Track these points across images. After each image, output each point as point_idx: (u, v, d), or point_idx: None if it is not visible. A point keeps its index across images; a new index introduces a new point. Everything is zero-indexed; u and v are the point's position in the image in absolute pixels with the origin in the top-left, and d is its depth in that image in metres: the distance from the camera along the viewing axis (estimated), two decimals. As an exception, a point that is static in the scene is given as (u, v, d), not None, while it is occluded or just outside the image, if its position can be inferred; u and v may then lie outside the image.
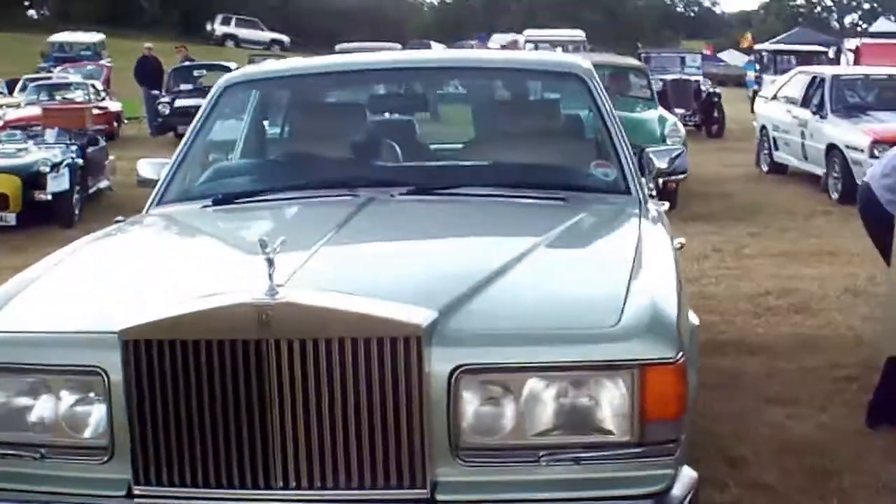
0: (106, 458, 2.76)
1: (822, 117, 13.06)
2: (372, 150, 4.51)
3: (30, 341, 2.84)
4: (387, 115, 5.30)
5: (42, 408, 2.80)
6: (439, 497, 2.64)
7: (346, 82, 4.98)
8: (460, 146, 4.54)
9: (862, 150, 11.85)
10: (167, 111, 19.50)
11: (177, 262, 3.37)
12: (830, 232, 10.70)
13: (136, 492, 2.72)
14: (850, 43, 31.07)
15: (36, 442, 2.80)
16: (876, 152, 11.56)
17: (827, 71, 14.20)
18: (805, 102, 13.79)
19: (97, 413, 2.76)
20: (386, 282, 2.91)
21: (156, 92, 20.70)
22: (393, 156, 4.49)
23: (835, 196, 12.44)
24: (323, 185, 4.07)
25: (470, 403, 2.65)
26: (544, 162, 4.30)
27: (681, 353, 2.65)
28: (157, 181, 4.40)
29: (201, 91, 20.03)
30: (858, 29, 55.25)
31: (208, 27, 47.22)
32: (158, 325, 2.67)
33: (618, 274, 2.98)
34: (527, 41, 31.07)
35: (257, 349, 2.61)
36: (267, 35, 47.79)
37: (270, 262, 2.64)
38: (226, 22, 48.30)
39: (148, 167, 4.59)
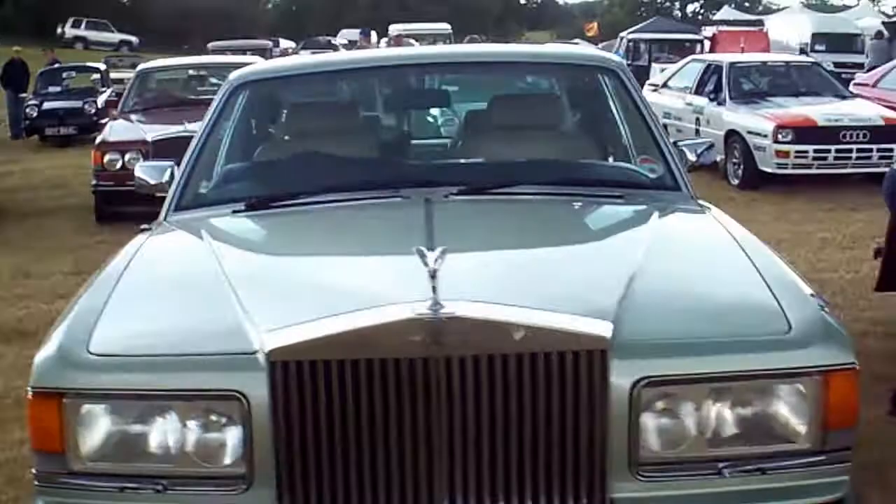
0: (244, 488, 2.49)
1: (719, 104, 13.23)
2: (401, 149, 4.20)
3: (153, 365, 2.54)
4: (412, 111, 4.94)
5: (165, 436, 2.52)
6: None
7: (368, 77, 4.64)
8: (498, 144, 4.19)
9: (765, 136, 12.04)
10: (35, 114, 18.65)
11: (291, 274, 3.08)
12: (736, 218, 10.78)
13: None
14: (707, 31, 31.74)
15: (156, 473, 2.52)
16: (780, 137, 11.76)
17: (724, 58, 14.37)
18: (699, 90, 13.90)
19: (232, 440, 2.49)
20: (543, 291, 2.69)
21: (23, 95, 19.74)
22: (424, 154, 4.18)
23: (735, 182, 12.57)
24: (362, 186, 3.75)
25: (650, 417, 2.50)
26: (592, 159, 4.09)
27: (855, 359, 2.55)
28: (158, 185, 4.08)
29: (69, 93, 19.34)
30: (699, 17, 56.63)
31: (59, 30, 45.68)
32: (314, 345, 2.42)
33: (749, 276, 2.86)
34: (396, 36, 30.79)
35: (425, 368, 2.39)
36: (116, 36, 46.62)
37: (433, 275, 2.41)
38: (76, 24, 47.14)
39: (148, 171, 4.21)
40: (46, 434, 2.55)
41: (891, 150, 11.60)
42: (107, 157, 10.04)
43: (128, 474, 2.52)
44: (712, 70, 13.99)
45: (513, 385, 2.39)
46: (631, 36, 28.89)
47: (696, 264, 3.10)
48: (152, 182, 4.13)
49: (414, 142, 4.31)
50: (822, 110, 12.41)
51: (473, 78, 4.91)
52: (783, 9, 40.18)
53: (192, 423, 2.49)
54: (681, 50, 24.83)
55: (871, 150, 11.78)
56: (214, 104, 4.17)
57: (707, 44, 27.79)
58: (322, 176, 3.90)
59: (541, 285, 2.75)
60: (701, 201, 3.86)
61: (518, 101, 4.79)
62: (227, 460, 2.49)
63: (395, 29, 34.24)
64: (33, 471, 2.60)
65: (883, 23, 30.42)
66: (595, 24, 44.63)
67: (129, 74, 26.38)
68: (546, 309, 2.48)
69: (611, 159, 4.20)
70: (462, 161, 4.15)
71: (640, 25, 32.60)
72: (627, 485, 2.47)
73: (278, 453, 2.43)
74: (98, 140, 10.54)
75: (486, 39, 36.66)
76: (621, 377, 2.43)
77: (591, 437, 2.42)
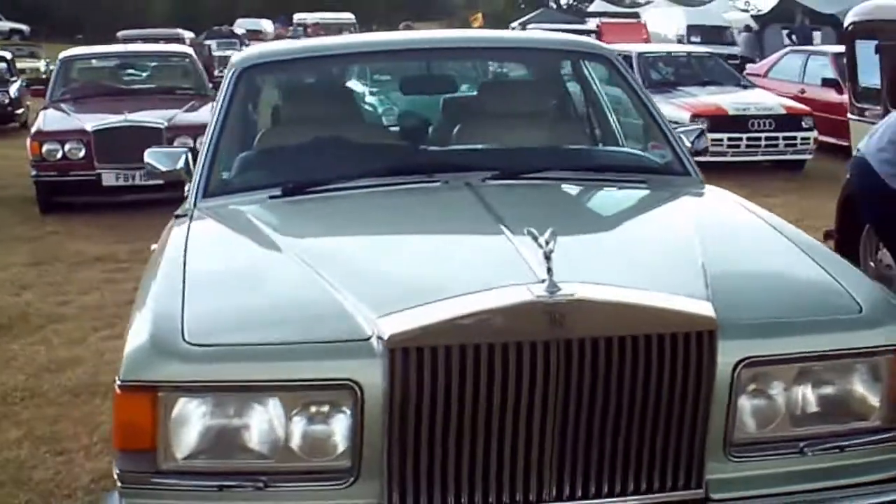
0: (350, 481, 2.42)
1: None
2: (422, 133, 4.19)
3: (258, 354, 2.43)
4: (424, 96, 4.92)
5: (267, 430, 2.43)
6: (714, 496, 2.51)
7: (383, 61, 4.58)
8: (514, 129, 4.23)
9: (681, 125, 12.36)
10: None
11: (374, 258, 3.00)
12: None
13: None
14: (591, 23, 32.13)
15: (256, 469, 2.43)
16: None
17: (633, 49, 14.62)
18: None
19: (340, 431, 2.42)
20: (643, 273, 2.71)
21: None
22: (445, 138, 4.19)
23: (652, 171, 12.85)
24: (393, 171, 3.74)
25: (747, 397, 2.54)
26: (606, 145, 4.12)
27: None
28: (171, 172, 4.04)
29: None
30: (573, 9, 56.99)
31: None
32: (436, 330, 2.36)
33: (803, 259, 2.96)
34: (297, 25, 30.39)
35: (545, 351, 2.37)
36: (6, 25, 45.01)
37: (549, 256, 2.40)
38: (-38, 13, 45.18)
39: (159, 157, 4.13)
40: (136, 431, 2.43)
41: (794, 137, 12.09)
42: (45, 148, 9.81)
43: (225, 472, 2.43)
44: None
45: (627, 367, 2.40)
46: (531, 26, 29.10)
47: (750, 248, 3.16)
48: (164, 169, 4.06)
49: (432, 128, 4.28)
50: (729, 99, 12.83)
51: (476, 63, 4.89)
52: (650, 1, 40.72)
53: (297, 415, 2.41)
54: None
55: (777, 138, 12.23)
56: (224, 88, 4.07)
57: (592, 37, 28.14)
58: (352, 161, 3.89)
59: (638, 267, 2.77)
60: (710, 186, 3.94)
61: (527, 87, 4.82)
62: (333, 453, 2.42)
63: (302, 17, 33.73)
64: (116, 471, 2.47)
65: (753, 16, 31.38)
66: (480, 15, 44.71)
67: (31, 64, 25.90)
68: (654, 291, 2.51)
69: (631, 145, 4.24)
70: (490, 147, 4.15)
71: (531, 16, 32.73)
72: (720, 466, 2.51)
73: (390, 444, 2.37)
74: (33, 130, 10.26)
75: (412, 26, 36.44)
76: (725, 358, 2.46)
77: (694, 419, 2.45)
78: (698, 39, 27.78)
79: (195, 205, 3.69)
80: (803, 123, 12.28)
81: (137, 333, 2.53)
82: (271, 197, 3.60)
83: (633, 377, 2.41)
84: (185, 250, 3.08)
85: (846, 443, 2.59)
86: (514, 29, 29.29)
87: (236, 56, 4.32)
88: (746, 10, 35.55)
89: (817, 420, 2.59)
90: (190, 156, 4.07)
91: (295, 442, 2.42)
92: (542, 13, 33.86)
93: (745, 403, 2.53)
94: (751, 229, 3.33)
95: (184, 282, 2.78)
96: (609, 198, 3.72)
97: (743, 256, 3.04)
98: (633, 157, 4.17)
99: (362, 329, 2.44)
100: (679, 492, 2.48)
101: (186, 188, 3.92)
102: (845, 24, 6.66)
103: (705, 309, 2.46)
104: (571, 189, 3.70)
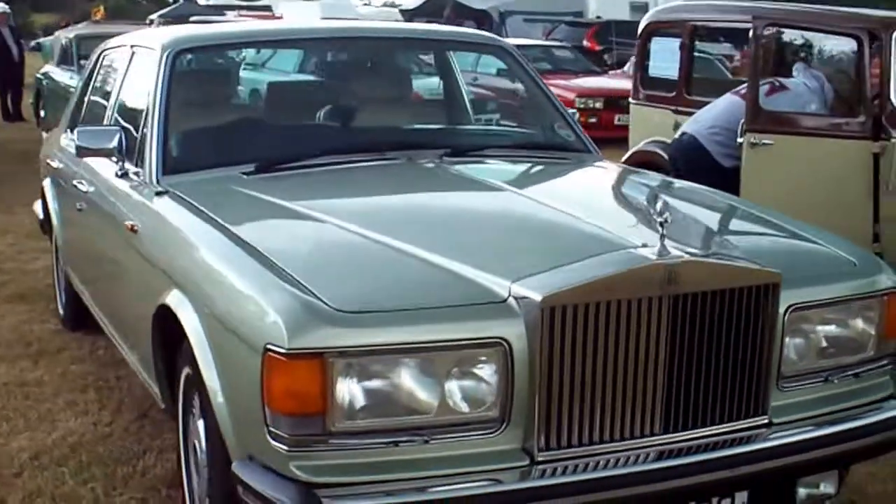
0: (500, 428, 2.66)
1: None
2: (363, 115, 4.37)
3: (410, 317, 2.59)
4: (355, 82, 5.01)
5: (425, 387, 2.60)
6: (774, 420, 2.96)
7: (311, 48, 4.68)
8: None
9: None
10: None
11: (466, 230, 3.21)
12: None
13: (540, 458, 2.67)
14: (230, 15, 31.97)
15: (418, 424, 2.60)
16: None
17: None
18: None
19: (490, 385, 2.64)
20: (705, 237, 3.08)
21: None
22: (383, 120, 4.38)
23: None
24: (352, 149, 4.01)
25: (790, 337, 3.02)
26: (531, 126, 4.48)
27: None
28: (105, 149, 4.08)
29: None
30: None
31: None
32: (582, 289, 2.65)
33: (769, 223, 3.51)
34: None
35: (660, 305, 2.72)
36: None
37: (663, 224, 2.75)
38: None
39: (91, 136, 4.16)
40: (304, 396, 2.53)
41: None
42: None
43: (390, 429, 2.58)
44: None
45: (720, 316, 2.80)
46: (194, 19, 28.41)
47: (725, 218, 3.64)
48: (96, 147, 4.09)
49: (377, 108, 4.46)
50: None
51: (394, 54, 5.06)
52: None
53: (452, 372, 2.60)
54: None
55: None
56: (159, 70, 4.10)
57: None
58: (309, 139, 4.13)
59: (695, 233, 3.16)
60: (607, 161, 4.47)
61: (450, 78, 5.05)
62: (484, 405, 2.63)
63: None
64: (284, 435, 2.55)
65: (401, 11, 33.17)
66: (101, 8, 43.47)
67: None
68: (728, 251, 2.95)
69: (546, 126, 4.59)
70: (436, 126, 4.39)
71: (170, 9, 31.74)
72: (775, 395, 2.98)
73: (539, 392, 2.62)
74: None
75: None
76: (781, 305, 2.92)
77: (762, 357, 2.90)
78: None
79: (158, 181, 3.75)
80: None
81: (285, 302, 2.60)
82: (245, 174, 3.72)
83: (723, 324, 2.82)
84: (224, 223, 3.21)
85: (860, 370, 3.13)
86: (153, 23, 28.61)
87: (166, 38, 4.28)
88: (394, 6, 37.45)
89: (835, 353, 3.11)
90: (123, 135, 4.01)
91: (451, 397, 2.62)
92: (182, 6, 33.05)
93: (790, 342, 3.01)
94: (711, 203, 3.80)
95: (270, 254, 2.89)
96: (579, 173, 4.10)
97: (735, 226, 3.47)
98: (557, 136, 4.52)
99: (494, 292, 2.68)
100: (751, 419, 2.91)
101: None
102: (643, 24, 7.36)
103: (772, 266, 2.91)
104: (535, 166, 4.04)
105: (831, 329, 3.09)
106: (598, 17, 26.61)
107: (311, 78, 4.83)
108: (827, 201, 5.46)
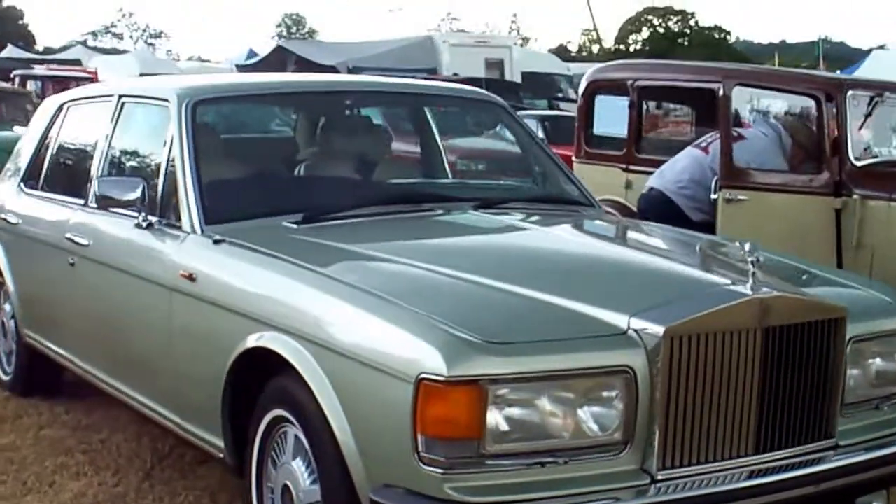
0: (623, 451, 3.18)
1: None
2: (392, 168, 4.89)
3: (548, 348, 3.10)
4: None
5: (563, 412, 3.10)
6: (840, 442, 3.57)
7: (331, 102, 5.15)
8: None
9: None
10: None
11: (559, 274, 3.71)
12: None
13: (660, 477, 3.20)
14: (38, 69, 32.16)
15: (557, 447, 3.10)
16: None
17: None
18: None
19: (617, 409, 3.16)
20: (777, 278, 3.67)
21: None
22: (404, 174, 4.91)
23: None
24: (390, 200, 4.58)
25: (850, 367, 3.64)
26: (539, 181, 5.08)
27: None
28: (128, 201, 4.45)
29: None
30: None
31: None
32: (698, 322, 3.23)
33: (802, 267, 4.19)
34: None
35: (754, 337, 3.31)
36: None
37: (754, 263, 3.39)
38: None
39: (115, 186, 4.56)
40: (460, 421, 2.99)
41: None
42: None
43: (535, 451, 3.06)
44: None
45: (802, 346, 3.41)
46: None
47: (771, 263, 4.24)
48: (121, 198, 4.47)
49: (398, 162, 5.00)
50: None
51: (400, 108, 5.58)
52: (68, 47, 41.80)
53: (585, 398, 3.11)
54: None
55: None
56: (180, 121, 4.51)
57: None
58: (347, 191, 4.65)
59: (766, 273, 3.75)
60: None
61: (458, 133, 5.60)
62: (610, 429, 3.14)
63: None
64: (439, 459, 2.99)
65: (237, 65, 34.05)
66: None
67: None
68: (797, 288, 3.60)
69: (558, 180, 5.16)
70: (457, 181, 4.94)
71: None
72: (839, 420, 3.58)
73: (654, 418, 3.15)
74: None
75: None
76: (847, 337, 3.55)
77: (832, 384, 3.51)
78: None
79: (202, 231, 4.18)
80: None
81: (435, 332, 3.07)
82: (294, 223, 4.20)
83: (803, 354, 3.42)
84: (313, 266, 3.68)
85: None
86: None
87: (177, 88, 4.70)
88: (203, 60, 38.60)
89: (884, 382, 3.76)
90: (146, 185, 4.42)
91: (584, 422, 3.13)
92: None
93: (850, 372, 3.63)
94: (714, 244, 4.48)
95: (384, 292, 3.37)
96: (615, 223, 4.70)
97: (786, 267, 4.11)
98: (560, 190, 5.13)
99: (615, 325, 3.22)
100: (822, 441, 3.51)
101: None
102: (585, 82, 8.09)
103: (840, 301, 3.56)
104: (569, 216, 4.65)
105: (879, 360, 3.73)
106: (455, 74, 27.64)
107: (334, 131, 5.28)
108: (799, 255, 6.21)
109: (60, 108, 5.88)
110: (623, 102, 7.71)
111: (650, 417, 3.17)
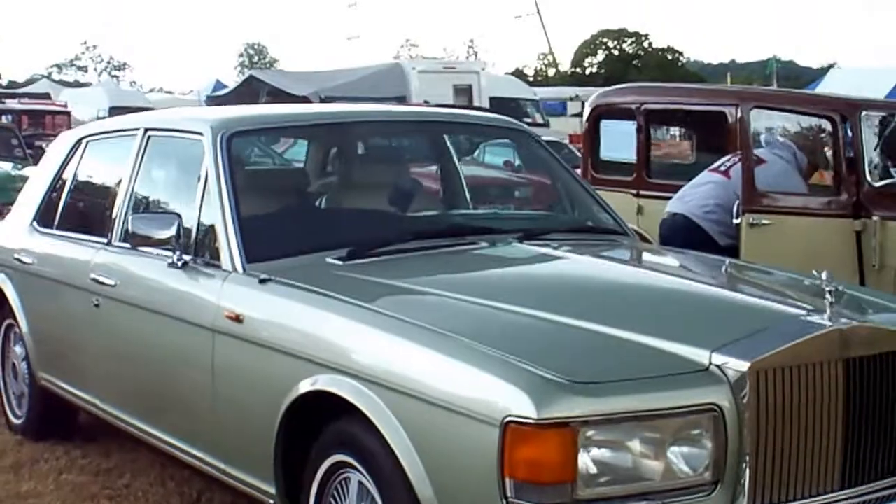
0: (712, 491, 3.06)
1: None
2: (432, 200, 4.77)
3: (635, 387, 2.99)
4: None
5: (652, 453, 2.99)
6: None
7: (366, 132, 5.03)
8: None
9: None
10: None
11: (628, 306, 3.63)
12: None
13: None
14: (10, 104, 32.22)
15: (647, 490, 2.98)
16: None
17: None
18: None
19: (706, 449, 3.04)
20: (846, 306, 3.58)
21: None
22: (439, 205, 4.80)
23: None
24: (434, 233, 4.45)
25: None
26: (585, 209, 4.99)
27: None
28: (162, 239, 4.29)
29: None
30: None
31: None
32: (782, 356, 3.13)
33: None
34: None
35: (836, 368, 3.21)
36: None
37: (832, 293, 3.31)
38: None
39: (149, 223, 4.38)
40: (551, 465, 2.87)
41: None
42: None
43: (626, 495, 2.95)
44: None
45: (883, 376, 3.31)
46: None
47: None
48: (156, 236, 4.31)
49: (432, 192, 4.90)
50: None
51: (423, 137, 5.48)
52: (33, 81, 42.00)
53: (674, 439, 3.00)
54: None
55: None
56: (216, 154, 4.37)
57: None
58: (391, 225, 4.56)
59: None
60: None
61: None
62: (700, 468, 3.03)
63: None
64: None
65: (208, 97, 34.31)
66: None
67: None
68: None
69: (593, 209, 5.07)
70: (495, 212, 4.84)
71: None
72: None
73: (743, 456, 3.04)
74: None
75: None
76: None
77: None
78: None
79: (244, 270, 4.03)
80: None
81: (515, 376, 2.95)
82: (339, 259, 4.06)
83: (885, 383, 3.32)
84: (372, 306, 3.56)
85: None
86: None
87: (211, 120, 4.55)
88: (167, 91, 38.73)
89: None
90: (181, 222, 4.28)
91: (673, 462, 3.02)
92: None
93: None
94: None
95: (453, 332, 3.25)
96: (663, 253, 4.60)
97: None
98: (597, 219, 5.04)
99: (696, 361, 3.11)
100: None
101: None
102: (591, 106, 8.02)
103: None
104: (615, 246, 4.55)
105: None
106: (426, 102, 27.69)
107: (373, 162, 5.17)
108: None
109: (78, 143, 5.71)
110: (627, 127, 7.66)
111: (739, 456, 3.06)
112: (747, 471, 3.06)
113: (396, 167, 5.13)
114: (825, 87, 24.30)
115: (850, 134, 6.40)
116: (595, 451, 2.91)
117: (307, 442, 3.62)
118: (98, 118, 31.76)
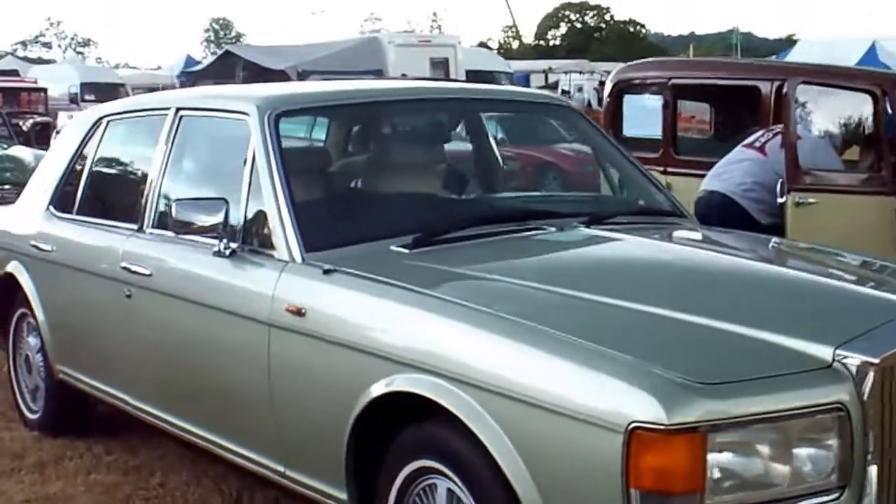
0: (840, 495, 2.85)
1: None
2: (494, 182, 4.55)
3: (761, 387, 2.77)
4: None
5: (778, 457, 2.77)
6: None
7: (413, 111, 4.76)
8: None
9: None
10: None
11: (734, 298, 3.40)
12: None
13: None
14: None
15: (773, 497, 2.77)
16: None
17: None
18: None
19: (833, 451, 2.84)
20: None
21: None
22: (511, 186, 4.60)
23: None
24: (497, 218, 4.17)
25: None
26: (640, 190, 4.74)
27: None
28: (208, 226, 4.00)
29: None
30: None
31: None
32: None
33: None
34: None
35: None
36: None
37: None
38: None
39: (196, 209, 4.07)
40: (681, 472, 2.66)
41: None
42: None
43: (753, 503, 2.74)
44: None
45: None
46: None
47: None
48: (203, 223, 4.01)
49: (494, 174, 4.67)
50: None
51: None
52: None
53: (801, 441, 2.80)
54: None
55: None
56: (264, 135, 4.08)
57: None
58: (451, 210, 4.28)
59: None
60: None
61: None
62: (827, 471, 2.83)
63: None
64: None
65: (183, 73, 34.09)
66: None
67: None
68: None
69: (651, 189, 4.83)
70: (556, 194, 4.60)
71: None
72: None
73: (873, 457, 2.84)
74: None
75: None
76: None
77: None
78: (92, 97, 28.91)
79: (303, 259, 3.77)
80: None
81: (640, 379, 2.72)
82: (404, 247, 3.80)
83: None
84: (460, 301, 3.28)
85: None
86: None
87: (255, 98, 4.26)
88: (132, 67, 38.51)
89: None
90: (228, 207, 4.01)
91: (800, 466, 2.81)
92: None
93: None
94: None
95: (558, 329, 3.00)
96: (738, 237, 4.41)
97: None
98: (652, 200, 4.79)
99: (819, 358, 2.90)
100: None
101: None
102: (612, 81, 7.77)
103: None
104: (688, 229, 4.31)
105: None
106: (404, 75, 27.47)
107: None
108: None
109: (97, 123, 5.37)
110: (651, 102, 7.44)
111: (864, 458, 2.86)
112: (874, 474, 2.86)
113: (444, 148, 4.84)
114: (794, 59, 24.18)
115: (889, 109, 6.21)
116: (723, 457, 2.70)
117: (379, 444, 3.39)
118: (70, 94, 31.62)
